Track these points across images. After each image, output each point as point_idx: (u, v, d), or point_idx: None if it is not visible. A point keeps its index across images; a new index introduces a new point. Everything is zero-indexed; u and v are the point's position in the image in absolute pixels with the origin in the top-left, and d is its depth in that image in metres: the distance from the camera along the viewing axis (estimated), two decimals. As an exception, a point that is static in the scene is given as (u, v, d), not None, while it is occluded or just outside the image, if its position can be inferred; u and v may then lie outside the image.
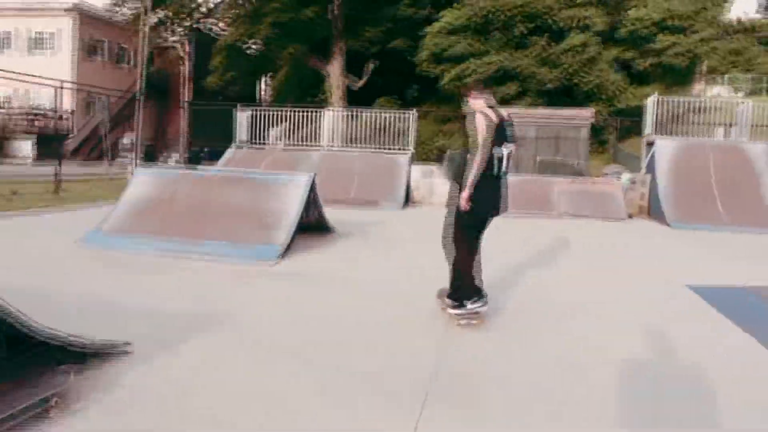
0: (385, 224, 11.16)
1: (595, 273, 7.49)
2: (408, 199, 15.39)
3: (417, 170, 16.25)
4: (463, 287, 5.02)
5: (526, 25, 29.80)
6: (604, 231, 12.02)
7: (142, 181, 8.49)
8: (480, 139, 4.86)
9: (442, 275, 5.32)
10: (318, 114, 18.64)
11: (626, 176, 15.89)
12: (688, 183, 14.17)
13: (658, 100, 16.36)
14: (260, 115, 18.18)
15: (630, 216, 14.47)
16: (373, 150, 17.45)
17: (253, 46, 37.79)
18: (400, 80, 38.08)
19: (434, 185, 16.05)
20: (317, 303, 5.44)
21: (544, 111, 21.42)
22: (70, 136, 35.49)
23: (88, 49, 38.47)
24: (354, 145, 18.36)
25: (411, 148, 17.05)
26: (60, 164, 14.23)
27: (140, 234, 7.64)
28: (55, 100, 13.56)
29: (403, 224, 11.73)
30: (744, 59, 36.91)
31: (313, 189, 8.20)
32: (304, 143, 18.64)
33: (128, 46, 40.44)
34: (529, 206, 14.49)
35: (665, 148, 14.93)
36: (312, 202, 8.39)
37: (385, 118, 17.70)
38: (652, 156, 15.14)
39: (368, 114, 18.34)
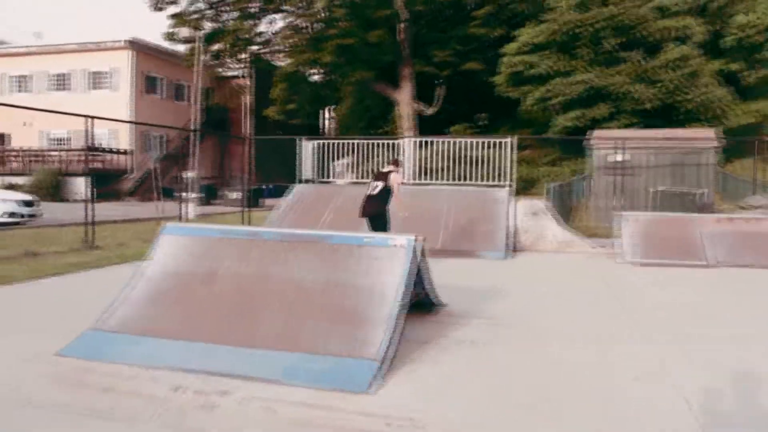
0: (500, 288, 8.24)
1: None
2: (510, 245, 12.36)
3: (520, 208, 13.28)
4: None
5: (616, 39, 26.60)
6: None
7: (172, 246, 5.85)
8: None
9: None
10: (392, 144, 15.95)
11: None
12: None
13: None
14: (327, 146, 15.60)
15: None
16: (461, 185, 14.67)
17: (316, 75, 35.83)
18: (473, 106, 35.32)
19: (544, 227, 13.03)
20: None
21: (658, 133, 18.20)
22: (126, 175, 33.98)
23: (146, 85, 37.19)
24: (435, 179, 15.63)
25: (511, 182, 14.12)
26: (91, 208, 11.78)
27: (159, 334, 4.98)
28: (85, 134, 11.25)
29: (523, 286, 8.73)
30: None
31: (421, 255, 5.41)
32: (377, 178, 16.03)
33: (186, 80, 39.16)
34: (667, 253, 11.35)
35: None
36: (422, 275, 5.61)
37: (478, 146, 14.85)
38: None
39: (454, 143, 15.56)
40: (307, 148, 15.29)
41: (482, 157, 15.08)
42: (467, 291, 7.88)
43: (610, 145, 17.32)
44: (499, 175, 14.64)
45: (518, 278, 9.39)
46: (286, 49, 31.23)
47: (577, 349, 5.36)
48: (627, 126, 25.81)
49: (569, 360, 5.05)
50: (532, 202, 13.62)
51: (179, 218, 14.92)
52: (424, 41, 31.56)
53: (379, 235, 5.42)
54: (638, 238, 11.91)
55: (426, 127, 31.07)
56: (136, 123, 29.40)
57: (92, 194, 12.03)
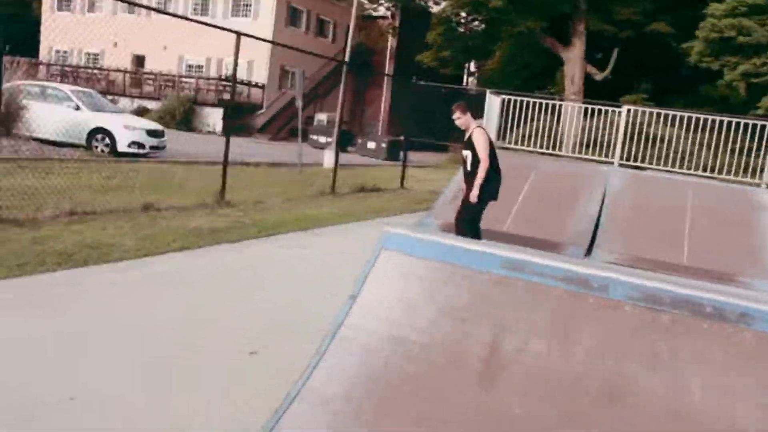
0: None
1: None
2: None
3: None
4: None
5: None
6: None
7: (400, 279, 2.89)
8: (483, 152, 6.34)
9: None
10: (607, 111, 12.53)
11: None
12: None
13: None
14: (514, 104, 12.30)
15: None
16: (700, 176, 11.15)
17: (464, 24, 32.18)
18: (646, 74, 30.57)
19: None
20: None
21: None
22: (259, 111, 32.01)
23: (289, 17, 34.89)
24: (649, 164, 12.18)
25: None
26: (226, 164, 9.22)
27: None
28: (236, 55, 8.49)
29: None
30: None
31: None
32: (551, 149, 12.84)
33: (330, 17, 36.61)
34: None
35: None
36: None
37: (728, 125, 11.17)
38: None
39: (683, 116, 11.94)
40: (495, 104, 12.02)
41: (729, 140, 11.52)
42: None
43: None
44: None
45: None
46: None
47: None
48: None
49: None
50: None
51: (333, 180, 12.20)
52: (609, -6, 27.18)
53: None
54: None
55: (592, 93, 26.94)
56: (283, 46, 27.07)
57: (227, 141, 9.36)
